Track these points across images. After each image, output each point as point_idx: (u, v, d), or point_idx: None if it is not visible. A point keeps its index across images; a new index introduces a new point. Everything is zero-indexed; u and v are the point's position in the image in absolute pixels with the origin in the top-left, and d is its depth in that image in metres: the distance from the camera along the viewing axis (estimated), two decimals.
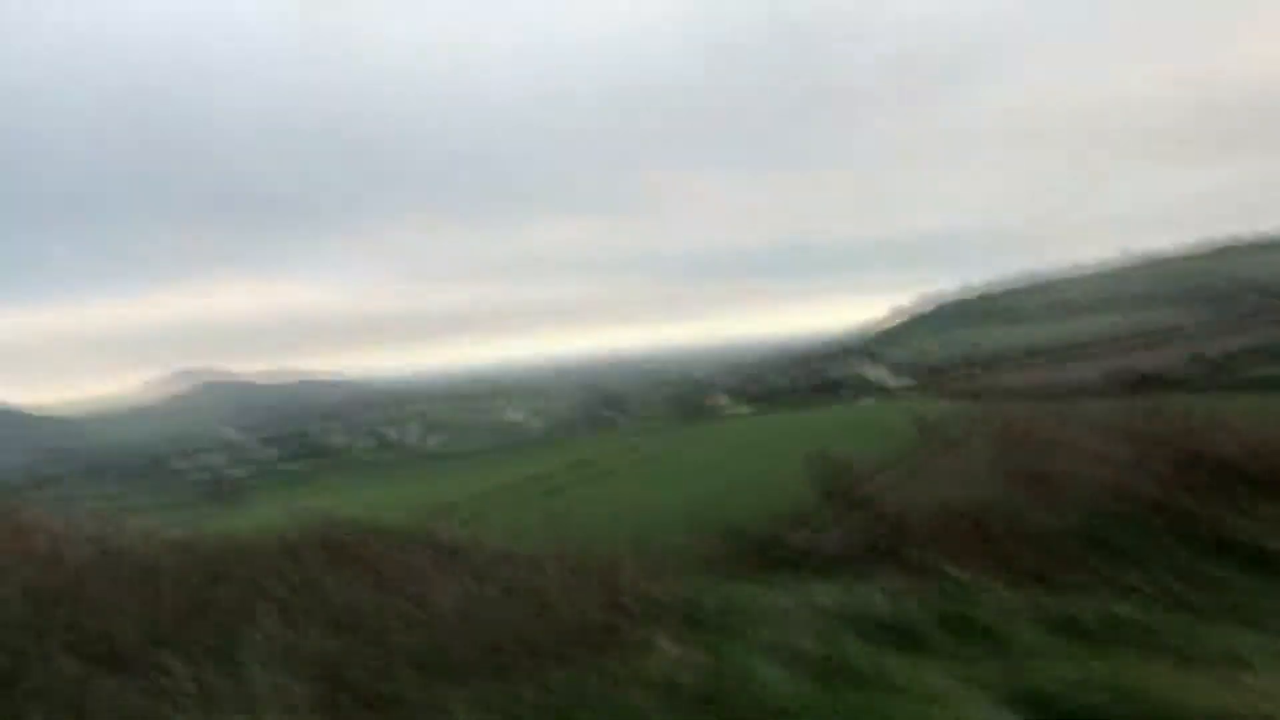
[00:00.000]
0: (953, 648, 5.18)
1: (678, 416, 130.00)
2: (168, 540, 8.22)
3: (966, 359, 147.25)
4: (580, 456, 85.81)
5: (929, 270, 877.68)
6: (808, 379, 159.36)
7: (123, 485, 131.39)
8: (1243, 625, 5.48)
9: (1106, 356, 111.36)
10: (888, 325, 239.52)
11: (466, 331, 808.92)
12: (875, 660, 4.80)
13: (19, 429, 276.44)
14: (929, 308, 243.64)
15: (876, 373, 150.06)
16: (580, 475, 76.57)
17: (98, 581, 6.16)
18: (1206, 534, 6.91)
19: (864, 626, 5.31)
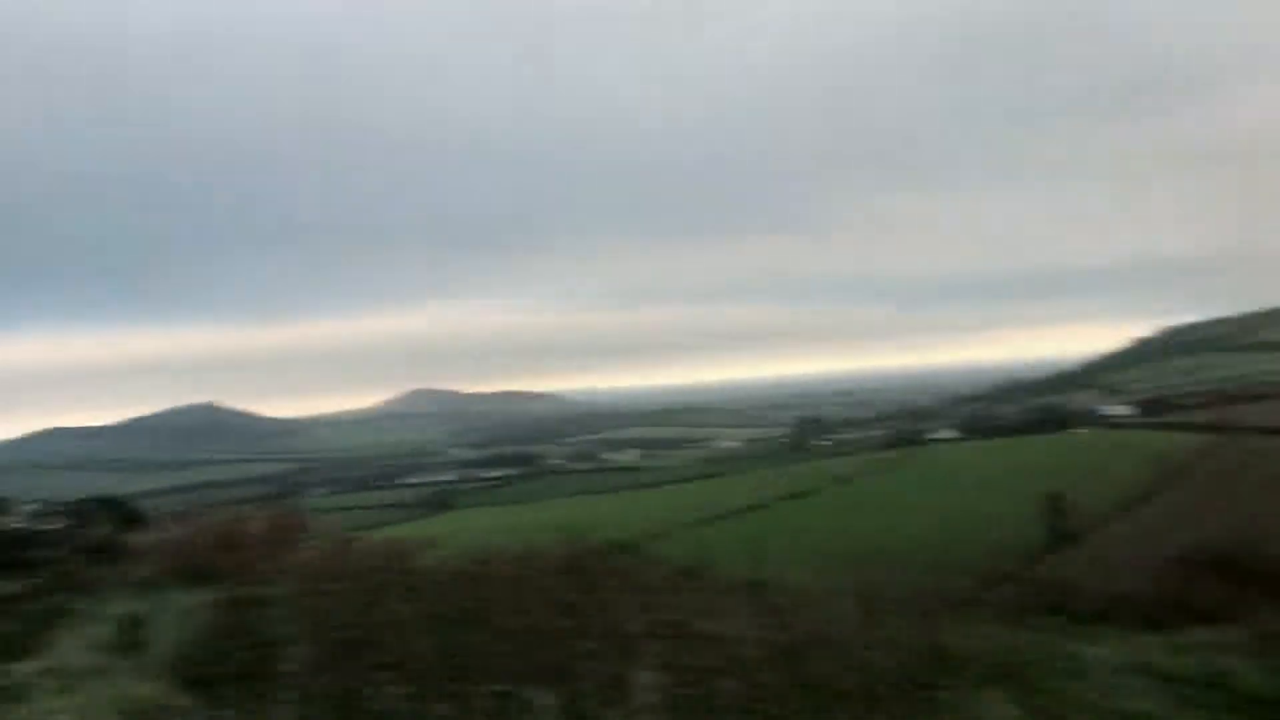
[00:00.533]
0: None
1: (892, 445, 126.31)
2: (449, 561, 8.41)
3: (1201, 389, 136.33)
4: (792, 485, 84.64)
5: (1166, 297, 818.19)
6: (1029, 408, 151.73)
7: (358, 492, 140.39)
8: None
9: None
10: (1119, 353, 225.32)
11: (678, 353, 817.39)
12: None
13: (270, 438, 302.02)
14: (1164, 336, 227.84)
15: (1103, 403, 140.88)
16: (792, 504, 75.55)
17: (403, 603, 6.37)
18: None
19: (1218, 696, 4.74)
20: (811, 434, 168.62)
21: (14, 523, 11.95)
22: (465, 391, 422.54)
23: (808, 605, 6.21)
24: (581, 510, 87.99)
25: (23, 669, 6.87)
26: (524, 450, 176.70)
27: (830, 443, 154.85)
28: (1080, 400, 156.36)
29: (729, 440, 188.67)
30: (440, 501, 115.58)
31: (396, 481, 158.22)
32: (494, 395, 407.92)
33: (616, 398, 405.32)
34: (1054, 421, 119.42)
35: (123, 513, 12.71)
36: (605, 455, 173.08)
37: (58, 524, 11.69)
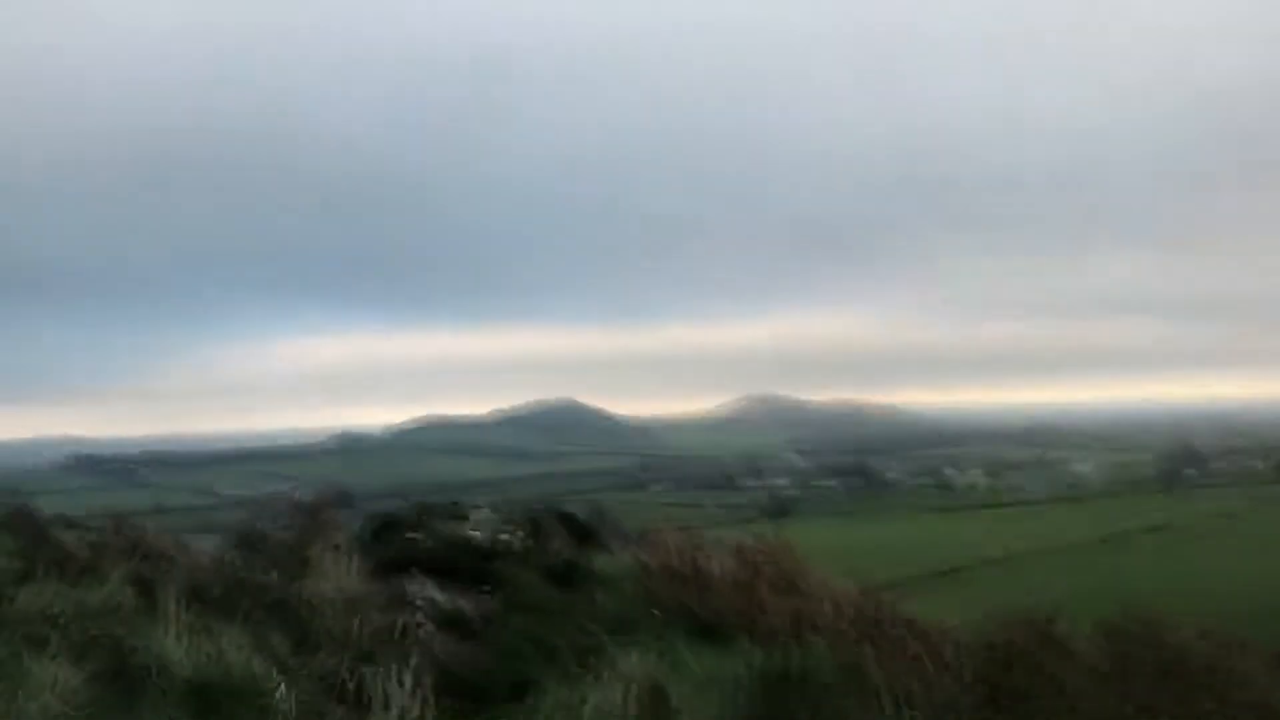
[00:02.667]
0: None
1: (1276, 479, 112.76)
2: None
3: None
4: (1155, 518, 78.51)
5: None
6: None
7: (698, 494, 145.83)
8: None
9: None
10: None
11: (1023, 370, 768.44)
12: None
13: (620, 435, 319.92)
14: None
15: None
16: (1155, 539, 70.08)
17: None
18: None
19: None
20: (1183, 462, 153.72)
21: (470, 530, 11.13)
22: (804, 400, 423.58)
23: None
24: (922, 530, 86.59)
25: None
26: (862, 462, 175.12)
27: (1200, 474, 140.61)
28: None
29: (1086, 465, 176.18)
30: (777, 508, 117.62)
31: (733, 485, 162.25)
32: (832, 405, 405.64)
33: (957, 413, 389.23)
34: None
35: (580, 529, 11.96)
36: (948, 472, 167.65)
37: (512, 536, 11.01)
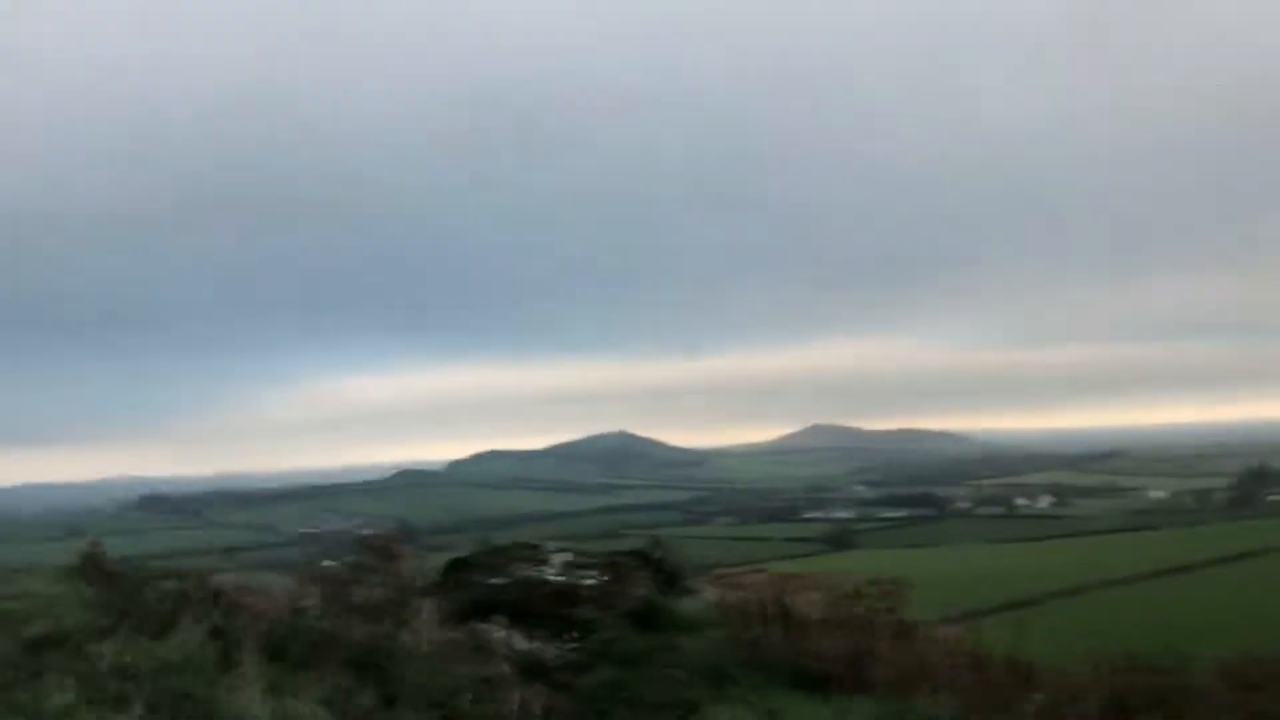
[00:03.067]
0: None
1: None
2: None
3: None
4: (1233, 545, 75.73)
5: None
6: None
7: (761, 527, 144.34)
8: None
9: None
10: None
11: (1085, 393, 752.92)
12: None
13: (676, 466, 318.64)
14: None
15: None
16: (1235, 568, 67.54)
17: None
18: None
19: None
20: (1261, 484, 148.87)
21: (549, 573, 10.72)
22: (865, 428, 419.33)
23: None
24: (990, 560, 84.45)
25: None
26: (926, 491, 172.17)
27: None
28: None
29: (1159, 490, 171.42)
30: (840, 539, 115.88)
31: (796, 516, 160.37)
32: (894, 433, 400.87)
33: (1022, 438, 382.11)
34: None
35: (661, 570, 11.37)
36: (1017, 501, 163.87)
37: (593, 577, 10.63)
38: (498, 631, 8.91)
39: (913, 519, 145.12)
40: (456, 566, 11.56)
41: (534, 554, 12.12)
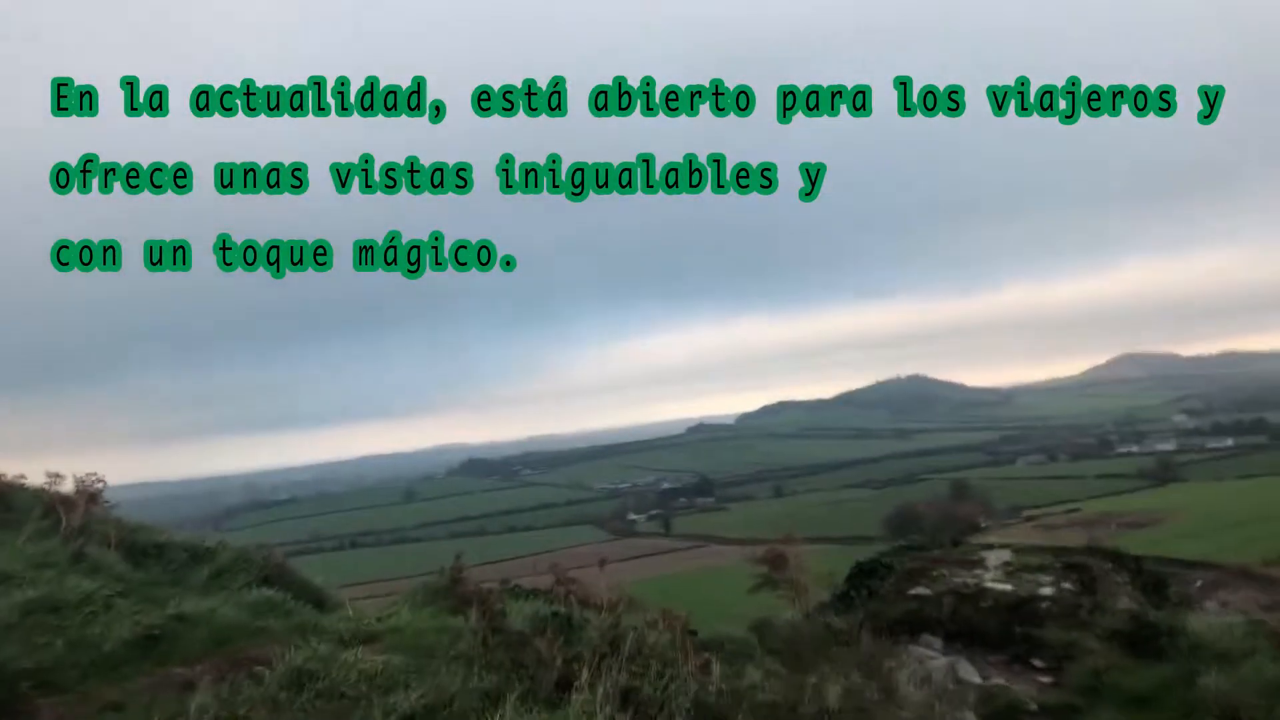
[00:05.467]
0: None
1: None
2: None
3: None
4: None
5: None
6: None
7: (1072, 465, 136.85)
8: None
9: None
10: None
11: None
12: None
13: (975, 407, 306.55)
14: None
15: None
16: None
17: None
18: None
19: None
20: None
21: (988, 579, 8.83)
22: (1183, 354, 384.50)
23: None
24: None
25: None
26: (1259, 417, 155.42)
27: None
28: None
29: None
30: (1162, 473, 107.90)
31: (1109, 452, 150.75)
32: (1217, 357, 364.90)
33: None
34: None
35: (1147, 576, 9.14)
36: None
37: (1050, 584, 8.09)
38: (934, 657, 6.98)
39: (1244, 448, 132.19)
40: (866, 572, 10.05)
41: (962, 555, 10.24)
